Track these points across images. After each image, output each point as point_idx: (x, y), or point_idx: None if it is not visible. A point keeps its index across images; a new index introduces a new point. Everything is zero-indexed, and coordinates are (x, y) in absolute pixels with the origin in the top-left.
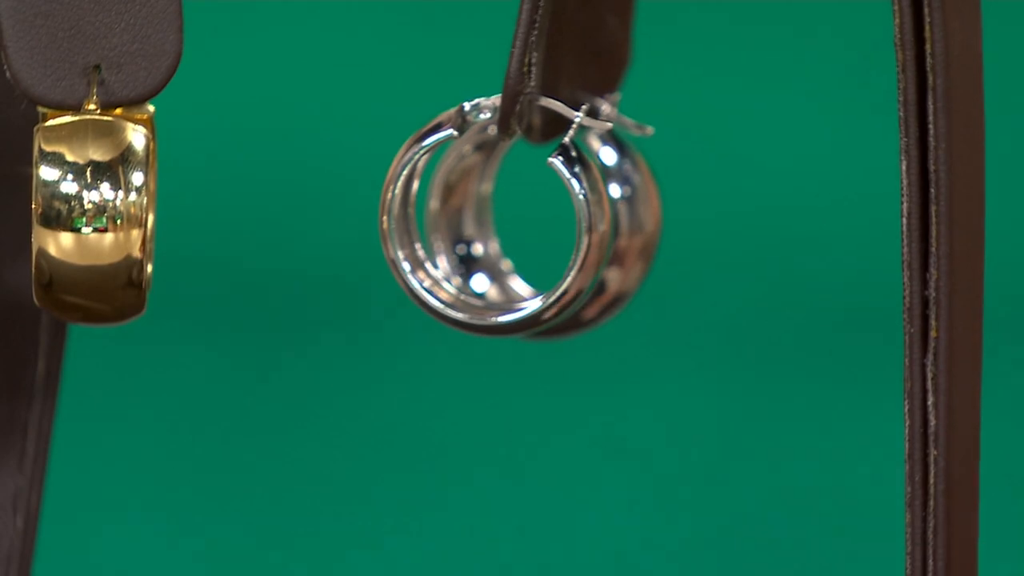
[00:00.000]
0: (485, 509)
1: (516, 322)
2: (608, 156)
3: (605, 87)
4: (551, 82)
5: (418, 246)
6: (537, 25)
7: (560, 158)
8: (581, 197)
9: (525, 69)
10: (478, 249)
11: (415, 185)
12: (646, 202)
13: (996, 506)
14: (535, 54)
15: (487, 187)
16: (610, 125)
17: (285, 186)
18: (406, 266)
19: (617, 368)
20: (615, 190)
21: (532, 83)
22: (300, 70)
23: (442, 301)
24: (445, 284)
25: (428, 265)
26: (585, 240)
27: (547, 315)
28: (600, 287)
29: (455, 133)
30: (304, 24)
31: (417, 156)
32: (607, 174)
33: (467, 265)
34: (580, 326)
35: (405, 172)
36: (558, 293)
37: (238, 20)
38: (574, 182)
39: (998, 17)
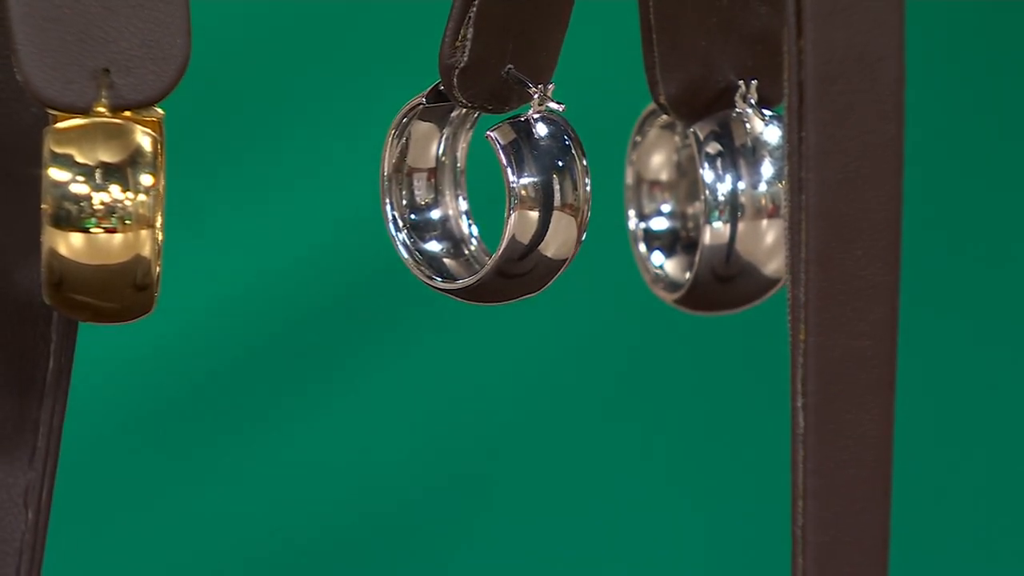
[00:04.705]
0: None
1: (449, 290)
2: (543, 132)
3: (539, 76)
4: (483, 60)
5: (405, 204)
6: (476, 3)
7: (499, 133)
8: (512, 175)
9: (458, 44)
10: (436, 213)
11: (408, 149)
12: (577, 178)
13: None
14: (470, 30)
15: (446, 155)
16: (562, 107)
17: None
18: (392, 225)
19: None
20: (549, 167)
21: (465, 58)
22: (308, 71)
23: (411, 257)
24: (409, 243)
25: (408, 222)
26: (513, 216)
27: (477, 287)
28: (536, 255)
29: (424, 101)
30: (311, 26)
31: (400, 120)
32: (541, 152)
33: (420, 228)
34: (525, 291)
35: (392, 134)
36: (487, 269)
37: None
38: (505, 158)
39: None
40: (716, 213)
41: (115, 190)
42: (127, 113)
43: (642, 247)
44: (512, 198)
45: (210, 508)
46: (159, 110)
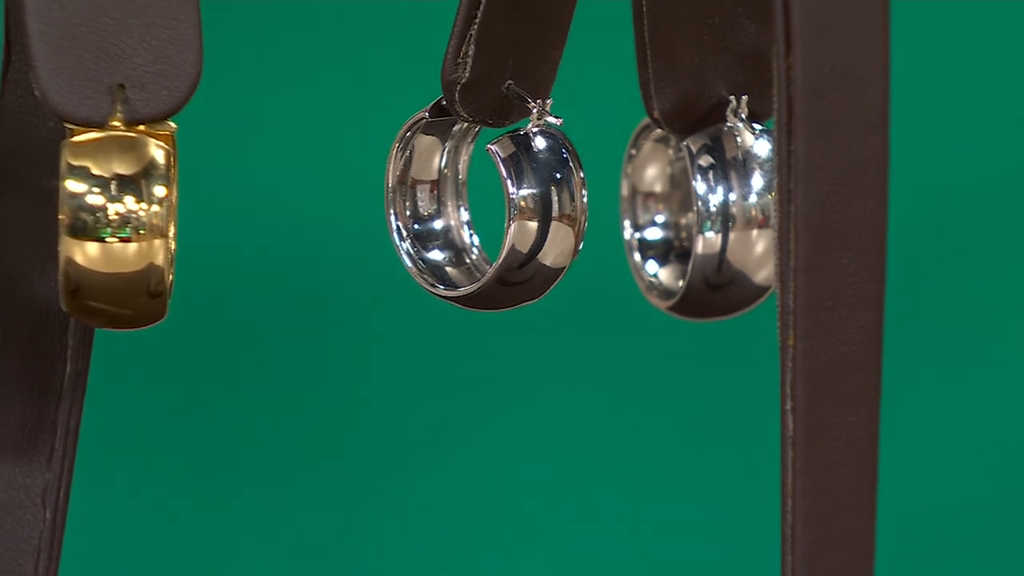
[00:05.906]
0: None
1: (451, 298)
2: (541, 145)
3: (538, 91)
4: (484, 76)
5: (409, 215)
6: (477, 21)
7: (500, 147)
8: (512, 186)
9: (460, 60)
10: (438, 224)
11: (412, 162)
12: (574, 189)
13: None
14: (472, 48)
15: (448, 167)
16: (560, 121)
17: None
18: (396, 234)
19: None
20: (547, 179)
21: (466, 74)
22: (318, 83)
23: (414, 266)
24: (412, 252)
25: (410, 232)
26: (513, 226)
27: (478, 295)
28: (535, 264)
29: (427, 115)
30: (316, 42)
31: (404, 134)
32: (540, 164)
33: (423, 238)
34: (524, 299)
35: (396, 147)
36: (486, 279)
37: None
38: (505, 170)
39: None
40: (708, 223)
41: (130, 201)
42: (141, 127)
43: (637, 256)
44: (512, 209)
45: (224, 504)
46: (172, 124)
